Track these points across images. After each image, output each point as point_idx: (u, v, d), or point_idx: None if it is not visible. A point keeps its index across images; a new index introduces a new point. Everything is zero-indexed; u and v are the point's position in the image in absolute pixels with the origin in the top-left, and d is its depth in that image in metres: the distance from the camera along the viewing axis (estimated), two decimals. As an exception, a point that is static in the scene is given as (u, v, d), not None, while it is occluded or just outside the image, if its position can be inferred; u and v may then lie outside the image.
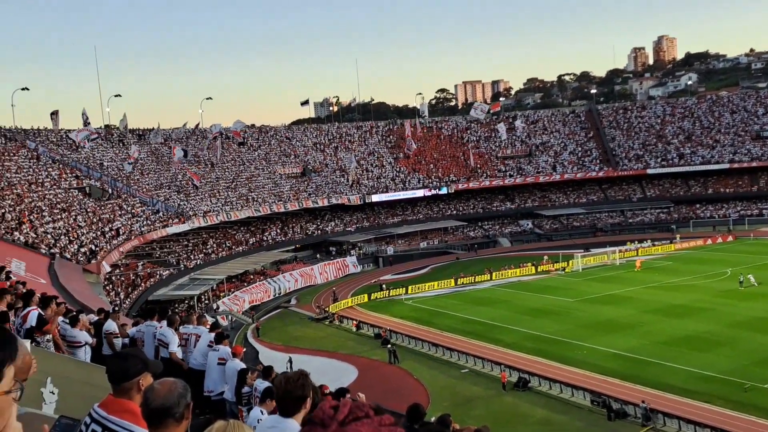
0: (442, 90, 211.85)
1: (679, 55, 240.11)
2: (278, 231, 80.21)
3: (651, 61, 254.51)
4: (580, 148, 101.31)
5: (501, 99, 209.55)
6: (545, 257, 71.45)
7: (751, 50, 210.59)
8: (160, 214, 62.50)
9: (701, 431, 29.51)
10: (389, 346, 45.06)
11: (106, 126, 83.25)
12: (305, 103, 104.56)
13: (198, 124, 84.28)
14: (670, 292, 55.03)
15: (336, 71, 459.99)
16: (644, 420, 31.25)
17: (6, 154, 58.59)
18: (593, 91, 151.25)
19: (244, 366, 11.04)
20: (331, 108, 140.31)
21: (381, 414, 1.68)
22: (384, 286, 65.59)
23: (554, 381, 36.49)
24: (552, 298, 57.04)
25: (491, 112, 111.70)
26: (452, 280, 65.64)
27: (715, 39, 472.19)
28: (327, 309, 58.35)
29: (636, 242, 78.02)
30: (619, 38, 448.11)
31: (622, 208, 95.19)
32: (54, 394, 5.43)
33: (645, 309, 50.09)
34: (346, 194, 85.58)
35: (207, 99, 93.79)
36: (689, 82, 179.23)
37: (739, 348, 39.53)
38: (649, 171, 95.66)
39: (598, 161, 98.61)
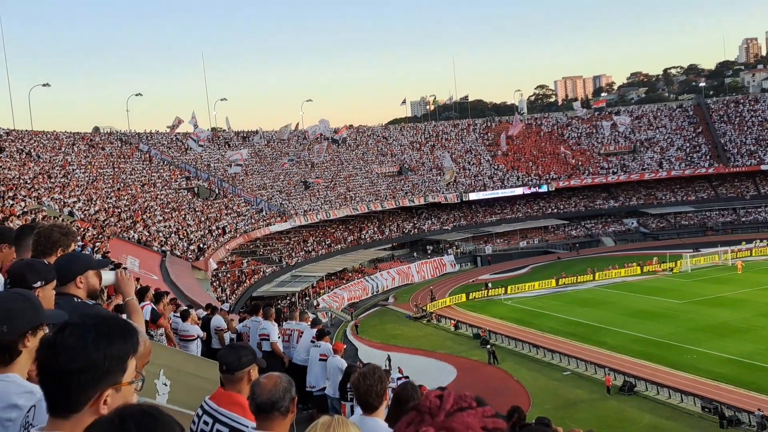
0: (541, 86, 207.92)
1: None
2: (375, 229, 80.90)
3: (764, 52, 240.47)
4: (688, 144, 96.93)
5: (603, 94, 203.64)
6: (654, 258, 68.57)
7: None
8: (264, 213, 64.35)
9: (826, 444, 27.57)
10: (488, 346, 44.51)
11: (213, 128, 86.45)
12: (402, 102, 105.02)
13: (298, 124, 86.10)
14: (788, 295, 51.77)
15: (432, 69, 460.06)
16: (759, 428, 29.50)
17: (121, 156, 61.85)
18: (702, 84, 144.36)
19: (344, 362, 11.07)
20: (427, 107, 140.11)
21: (483, 405, 1.71)
22: (489, 284, 64.99)
23: (662, 386, 35.02)
24: (659, 299, 54.79)
25: (593, 108, 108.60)
26: (553, 281, 64.20)
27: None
28: (425, 308, 58.29)
29: (745, 242, 73.76)
30: (729, 29, 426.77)
31: (734, 205, 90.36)
32: (167, 385, 5.56)
33: (759, 312, 47.31)
34: (443, 192, 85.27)
35: (307, 101, 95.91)
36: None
37: None
38: (764, 167, 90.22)
39: (707, 157, 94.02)
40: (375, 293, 67.08)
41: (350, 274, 68.85)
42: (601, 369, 38.44)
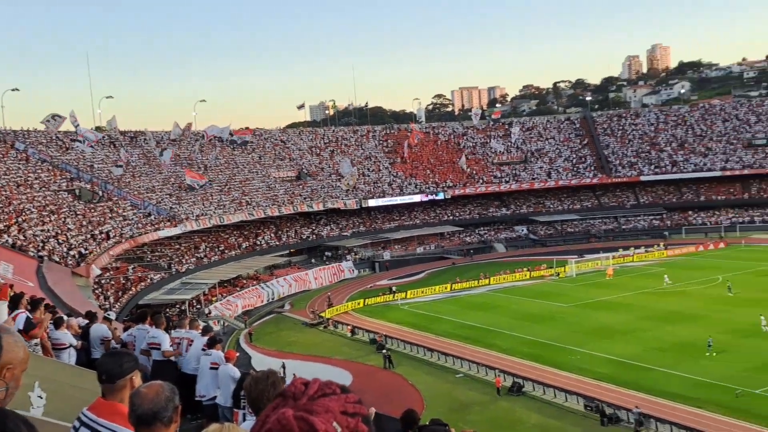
0: (439, 95, 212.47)
1: (673, 64, 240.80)
2: (272, 235, 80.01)
3: (645, 69, 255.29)
4: (574, 155, 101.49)
5: (497, 105, 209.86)
6: (543, 265, 71.25)
7: (744, 59, 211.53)
8: (152, 217, 62.17)
9: (695, 437, 29.42)
10: (384, 351, 44.89)
11: (97, 128, 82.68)
12: (301, 106, 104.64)
13: (190, 124, 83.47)
14: (664, 298, 55.01)
15: (332, 75, 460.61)
16: (637, 425, 31.14)
17: (-5, 155, 58.28)
18: (588, 98, 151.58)
19: (237, 371, 10.89)
20: (326, 112, 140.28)
21: (347, 393, 1.77)
22: (394, 288, 65.63)
23: (548, 386, 36.40)
24: (546, 303, 56.96)
25: (488, 118, 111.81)
26: (448, 285, 65.55)
27: (708, 48, 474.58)
28: (322, 314, 58.13)
29: (622, 249, 78.00)
30: (613, 46, 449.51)
31: (615, 214, 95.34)
32: (42, 398, 5.29)
33: (639, 315, 50.05)
34: (342, 198, 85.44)
35: (201, 101, 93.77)
36: (682, 91, 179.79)
37: (732, 354, 39.47)
38: (643, 178, 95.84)
39: (592, 168, 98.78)
40: (271, 300, 66.27)
41: (245, 281, 67.73)
42: (492, 371, 39.54)
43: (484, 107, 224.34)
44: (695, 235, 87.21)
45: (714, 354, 39.53)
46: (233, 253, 72.82)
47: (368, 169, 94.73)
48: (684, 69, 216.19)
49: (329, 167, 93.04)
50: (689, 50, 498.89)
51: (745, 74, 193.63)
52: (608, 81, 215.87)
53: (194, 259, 66.94)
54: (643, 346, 42.35)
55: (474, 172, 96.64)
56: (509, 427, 32.29)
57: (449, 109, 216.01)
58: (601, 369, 38.81)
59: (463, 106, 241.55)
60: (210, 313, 56.43)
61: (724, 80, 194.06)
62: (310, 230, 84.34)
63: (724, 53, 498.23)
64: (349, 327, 53.60)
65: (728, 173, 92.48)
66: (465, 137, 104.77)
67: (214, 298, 60.57)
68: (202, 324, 14.88)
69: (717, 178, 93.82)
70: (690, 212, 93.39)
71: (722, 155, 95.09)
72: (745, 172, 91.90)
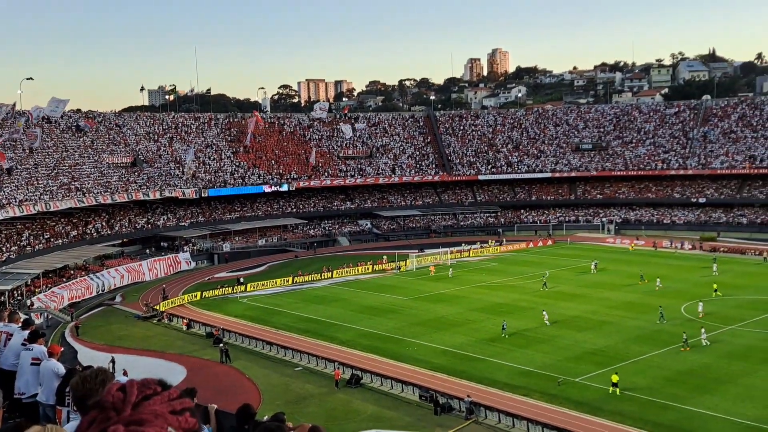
0: (285, 86, 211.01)
1: (511, 68, 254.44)
2: (104, 224, 76.08)
3: (485, 72, 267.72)
4: (418, 152, 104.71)
5: (344, 99, 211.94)
6: (384, 257, 73.06)
7: (575, 68, 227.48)
8: (-31, 201, 57.19)
9: (519, 423, 31.46)
10: (221, 345, 44.15)
11: None
12: (141, 89, 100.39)
13: (15, 104, 77.25)
14: (496, 292, 58.25)
15: (173, 59, 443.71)
16: (467, 414, 32.84)
17: None
18: (432, 97, 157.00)
19: (61, 366, 10.36)
20: (166, 97, 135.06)
21: (167, 389, 1.69)
22: (242, 279, 64.56)
23: (386, 377, 37.45)
24: (387, 296, 58.48)
25: (335, 111, 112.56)
26: (290, 278, 65.50)
27: (544, 55, 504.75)
28: (156, 307, 56.14)
29: (464, 244, 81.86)
30: (457, 48, 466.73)
31: (454, 211, 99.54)
32: None
33: (473, 307, 52.68)
34: (181, 187, 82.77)
35: (28, 79, 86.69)
36: (519, 95, 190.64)
37: (555, 345, 42.57)
38: (480, 177, 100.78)
39: (434, 165, 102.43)
40: (101, 292, 63.01)
41: (72, 272, 63.93)
42: (331, 363, 40.06)
43: (331, 100, 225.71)
44: (526, 232, 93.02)
45: (506, 336, 43.82)
46: (60, 241, 68.50)
47: (209, 157, 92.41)
48: (521, 74, 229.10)
49: (168, 154, 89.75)
50: (527, 56, 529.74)
51: (576, 82, 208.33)
52: (451, 82, 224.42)
53: (16, 247, 62.29)
54: (476, 337, 44.66)
55: (319, 165, 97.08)
56: (345, 418, 32.92)
57: (295, 100, 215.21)
58: (436, 360, 40.46)
59: (309, 98, 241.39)
60: (32, 305, 52.81)
61: (557, 87, 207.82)
62: (145, 219, 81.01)
63: (558, 61, 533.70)
64: (184, 320, 52.16)
65: (557, 175, 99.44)
66: (311, 129, 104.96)
67: (37, 290, 56.68)
68: (22, 317, 13.97)
69: (547, 180, 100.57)
70: (522, 211, 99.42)
71: (553, 158, 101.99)
72: (573, 174, 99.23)
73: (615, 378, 34.59)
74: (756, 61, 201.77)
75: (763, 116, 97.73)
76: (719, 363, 38.26)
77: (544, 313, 47.51)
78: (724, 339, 42.85)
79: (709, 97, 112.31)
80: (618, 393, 33.84)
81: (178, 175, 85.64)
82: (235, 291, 61.52)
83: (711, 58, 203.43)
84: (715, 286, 54.93)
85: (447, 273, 65.95)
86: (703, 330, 42.49)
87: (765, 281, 59.42)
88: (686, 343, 40.85)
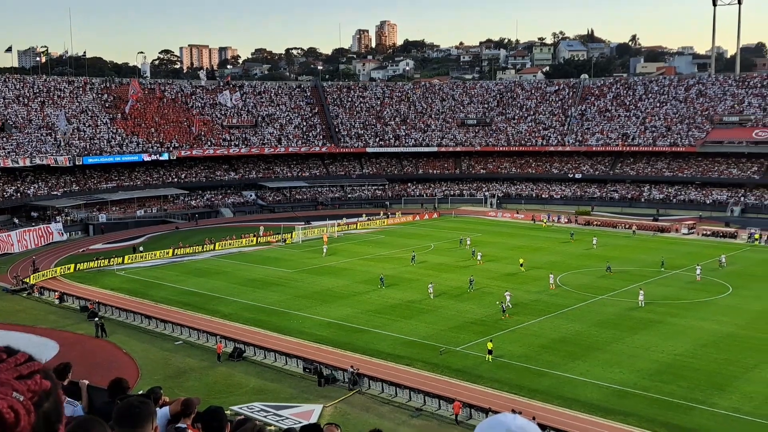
0: (166, 51, 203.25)
1: (399, 41, 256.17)
2: (-34, 192, 71.05)
3: (374, 44, 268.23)
4: (305, 123, 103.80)
5: (228, 67, 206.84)
6: (261, 228, 72.44)
7: (461, 43, 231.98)
8: None
9: (401, 392, 32.12)
10: (96, 319, 42.43)
11: None
12: (8, 50, 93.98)
13: None
14: (382, 263, 58.91)
15: (45, 19, 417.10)
16: (351, 384, 33.20)
17: None
18: (319, 67, 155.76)
19: None
20: (38, 59, 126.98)
21: (14, 354, 1.62)
22: (141, 248, 63.74)
23: (269, 350, 37.22)
24: (272, 269, 57.96)
25: (219, 79, 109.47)
26: (170, 251, 63.69)
27: (432, 30, 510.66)
28: (26, 280, 53.19)
29: (346, 218, 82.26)
30: (345, 18, 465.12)
31: (342, 183, 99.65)
32: None
33: (358, 279, 53.10)
34: (53, 155, 78.33)
35: None
36: (407, 68, 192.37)
37: (437, 315, 43.61)
38: (368, 149, 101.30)
39: (321, 137, 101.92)
40: (-38, 265, 58.98)
41: (-71, 243, 59.48)
42: (213, 337, 39.39)
43: (215, 67, 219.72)
44: (413, 205, 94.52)
45: (383, 288, 44.75)
46: None
47: (84, 124, 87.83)
48: (409, 47, 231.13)
49: (39, 119, 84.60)
50: (415, 30, 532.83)
51: (462, 57, 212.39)
52: (339, 52, 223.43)
53: None
54: (361, 309, 45.09)
55: (202, 133, 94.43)
56: (227, 391, 32.50)
57: (177, 66, 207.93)
58: (321, 332, 40.58)
59: (192, 64, 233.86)
60: None
61: (444, 62, 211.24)
62: (14, 188, 76.26)
63: (445, 36, 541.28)
64: (56, 293, 49.71)
65: (443, 149, 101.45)
66: (193, 97, 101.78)
67: None
68: None
69: (434, 154, 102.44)
70: (409, 184, 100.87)
71: (439, 132, 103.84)
72: (458, 149, 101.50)
73: (490, 345, 35.90)
74: (630, 43, 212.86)
75: (635, 96, 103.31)
76: (590, 331, 40.41)
77: (430, 286, 48.34)
78: (595, 308, 45.26)
79: (587, 76, 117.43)
80: (490, 360, 35.11)
81: (50, 141, 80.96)
82: (110, 264, 59.04)
83: (589, 39, 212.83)
84: (521, 260, 56.75)
85: (321, 251, 65.46)
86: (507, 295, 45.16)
87: (633, 253, 63.16)
88: (505, 312, 43.04)
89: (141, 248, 63.99)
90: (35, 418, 1.50)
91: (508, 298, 44.85)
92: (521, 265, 55.87)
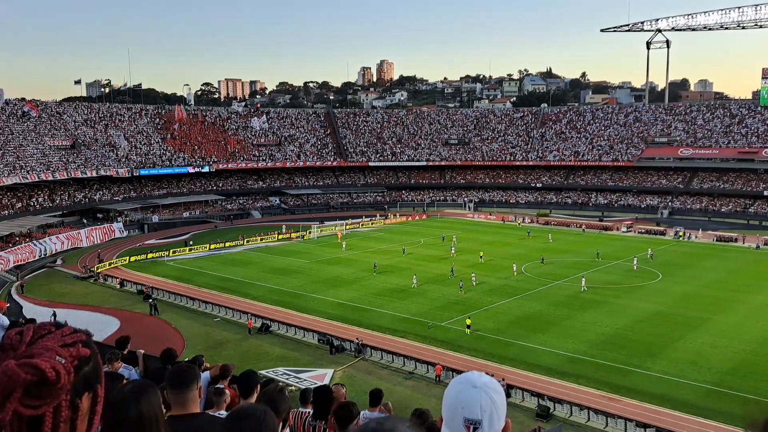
0: (207, 83, 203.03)
1: (396, 76, 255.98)
2: (46, 198, 70.93)
3: (375, 79, 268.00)
4: (319, 142, 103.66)
5: (258, 97, 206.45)
6: (283, 227, 72.44)
7: (445, 78, 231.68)
8: None
9: (396, 359, 32.10)
10: (150, 300, 42.38)
11: None
12: (77, 82, 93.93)
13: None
14: (381, 255, 58.87)
15: (108, 55, 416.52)
16: (356, 353, 33.17)
17: None
18: (331, 97, 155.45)
19: (5, 319, 9.55)
20: (102, 89, 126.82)
21: (61, 327, 1.59)
22: (191, 242, 64.00)
23: (290, 326, 37.18)
24: (292, 260, 57.93)
25: (250, 106, 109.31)
26: (210, 245, 63.68)
27: (422, 66, 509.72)
28: (93, 269, 53.09)
29: (364, 217, 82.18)
30: (351, 57, 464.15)
31: (349, 190, 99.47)
32: None
33: (362, 268, 53.01)
34: (115, 167, 78.23)
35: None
36: (402, 98, 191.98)
37: (427, 297, 43.60)
38: (371, 163, 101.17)
39: (333, 153, 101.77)
40: (43, 256, 58.84)
41: (17, 239, 59.30)
42: (245, 315, 39.35)
43: (246, 96, 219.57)
44: (406, 208, 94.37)
45: (376, 273, 47.07)
46: (6, 212, 63.28)
47: (140, 142, 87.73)
48: (403, 81, 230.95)
49: (103, 139, 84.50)
50: (409, 66, 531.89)
51: (446, 90, 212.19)
52: (347, 85, 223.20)
53: (-40, 217, 56.92)
54: (365, 292, 45.06)
55: (236, 150, 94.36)
56: (257, 359, 32.47)
57: (216, 95, 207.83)
58: (332, 311, 40.54)
59: (228, 94, 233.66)
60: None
61: (431, 93, 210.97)
62: (83, 194, 76.15)
63: (433, 72, 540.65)
64: (118, 280, 49.64)
65: (431, 163, 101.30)
66: (229, 120, 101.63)
67: (-18, 255, 52.20)
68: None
69: (423, 167, 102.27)
70: (403, 192, 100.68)
71: (427, 150, 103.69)
72: (443, 163, 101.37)
73: (468, 321, 35.86)
74: (581, 78, 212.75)
75: (585, 121, 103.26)
76: (549, 310, 40.41)
77: (414, 278, 48.26)
78: (552, 292, 45.26)
79: (546, 105, 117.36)
80: (469, 333, 35.11)
81: (112, 157, 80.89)
82: (162, 255, 58.92)
83: (548, 75, 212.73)
84: (481, 253, 56.66)
85: (341, 246, 65.16)
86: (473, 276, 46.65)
87: (582, 247, 63.12)
88: (462, 289, 44.54)
89: (191, 242, 63.93)
90: (74, 378, 1.51)
91: (473, 278, 46.58)
92: (480, 257, 55.74)
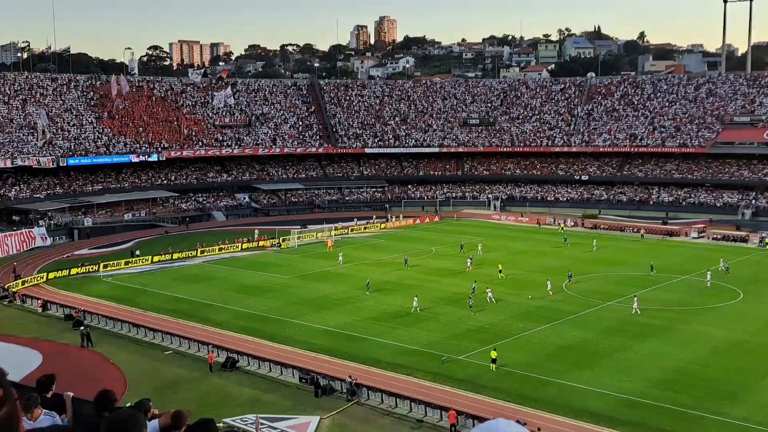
0: (155, 47, 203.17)
1: (399, 38, 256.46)
2: (-53, 195, 71.07)
3: (372, 41, 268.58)
4: (301, 122, 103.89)
5: (221, 64, 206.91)
6: (255, 232, 72.58)
7: (463, 40, 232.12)
8: None
9: (401, 403, 32.09)
10: (82, 328, 42.36)
11: None
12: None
13: None
14: (382, 269, 58.90)
15: (28, 13, 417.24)
16: (349, 395, 33.15)
17: None
18: (316, 64, 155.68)
19: None
20: (19, 55, 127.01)
21: None
22: (137, 251, 63.42)
23: (263, 360, 37.16)
24: (266, 274, 57.94)
25: (210, 76, 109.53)
26: (160, 256, 63.68)
27: (433, 26, 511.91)
28: (7, 287, 53.10)
29: (356, 219, 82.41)
30: (343, 14, 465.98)
31: (340, 185, 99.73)
32: None
33: (357, 285, 53.04)
34: (36, 155, 78.33)
35: None
36: (407, 66, 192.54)
37: (439, 322, 43.60)
38: (367, 150, 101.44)
39: (318, 137, 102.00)
40: (-58, 271, 58.93)
41: None
42: (204, 346, 39.34)
43: (206, 64, 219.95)
44: (413, 208, 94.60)
45: (368, 293, 43.65)
46: None
47: (68, 123, 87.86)
48: (409, 44, 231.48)
49: (20, 118, 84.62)
50: (416, 26, 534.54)
51: (464, 55, 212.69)
52: (336, 49, 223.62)
53: None
54: (360, 316, 45.07)
55: (193, 133, 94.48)
56: (220, 403, 32.43)
57: (167, 62, 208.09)
58: (316, 340, 40.55)
59: (182, 61, 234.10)
60: None
61: (445, 59, 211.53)
62: (-6, 190, 76.25)
63: (447, 32, 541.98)
64: (39, 301, 49.63)
65: (445, 150, 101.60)
66: (184, 95, 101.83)
67: None
68: None
69: (435, 155, 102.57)
70: (409, 186, 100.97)
71: (440, 132, 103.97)
72: (460, 149, 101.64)
73: (494, 354, 35.87)
74: (639, 41, 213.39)
75: (643, 95, 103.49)
76: (597, 338, 40.43)
77: (415, 300, 48.32)
78: (601, 315, 45.29)
79: (593, 74, 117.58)
80: (494, 369, 35.10)
81: (32, 142, 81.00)
82: (96, 270, 58.89)
83: (596, 36, 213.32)
84: (500, 266, 56.49)
85: (335, 258, 64.80)
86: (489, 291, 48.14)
87: (638, 257, 63.12)
88: (472, 304, 45.66)
89: (137, 252, 64.00)
90: None
91: (489, 295, 47.12)
92: (500, 271, 55.75)
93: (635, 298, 46.11)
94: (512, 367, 35.82)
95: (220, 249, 67.42)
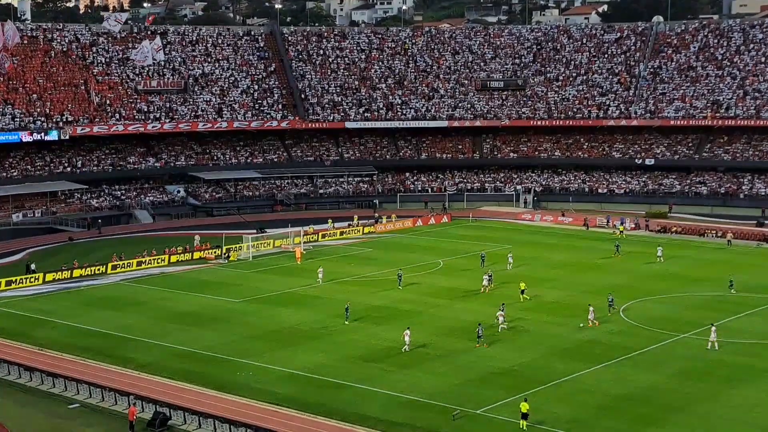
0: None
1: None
2: None
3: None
4: (257, 86, 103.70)
5: (145, 5, 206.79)
6: (195, 239, 72.52)
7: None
8: None
9: (399, 475, 32.01)
10: (-47, 372, 42.23)
11: None
12: None
13: None
14: (368, 289, 58.74)
15: None
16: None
17: None
18: (278, 5, 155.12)
19: None
20: None
21: None
22: (33, 266, 61.90)
23: (206, 416, 36.97)
24: (209, 297, 57.78)
25: (131, 23, 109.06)
26: (63, 272, 63.53)
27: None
28: None
29: (331, 221, 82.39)
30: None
31: (311, 173, 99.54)
32: None
33: (336, 312, 52.84)
34: None
35: None
36: (404, 7, 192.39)
37: (450, 363, 43.45)
38: (348, 125, 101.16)
39: (280, 106, 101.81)
40: None
41: None
42: (123, 397, 39.13)
43: (126, 6, 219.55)
44: (412, 204, 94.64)
45: (347, 323, 43.63)
46: None
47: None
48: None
49: None
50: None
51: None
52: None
53: None
54: (341, 355, 44.91)
55: (107, 102, 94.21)
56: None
57: (71, 4, 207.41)
58: (280, 389, 40.34)
59: (92, 2, 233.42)
60: None
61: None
62: None
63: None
64: None
65: (456, 124, 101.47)
66: (94, 49, 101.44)
67: None
68: None
69: (443, 130, 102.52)
70: (408, 174, 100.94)
71: (450, 100, 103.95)
72: (477, 123, 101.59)
73: (525, 407, 35.68)
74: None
75: (731, 48, 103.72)
76: (670, 384, 40.32)
77: (406, 334, 48.01)
78: (676, 351, 45.24)
79: (661, 18, 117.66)
80: (525, 427, 35.00)
81: None
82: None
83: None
84: (522, 285, 56.76)
85: (315, 275, 64.55)
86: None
87: (721, 271, 63.09)
88: (480, 338, 45.65)
89: (33, 266, 63.91)
90: None
91: (500, 318, 48.04)
92: (522, 292, 55.87)
93: (713, 328, 46.08)
94: (551, 425, 35.72)
95: (145, 262, 67.20)
